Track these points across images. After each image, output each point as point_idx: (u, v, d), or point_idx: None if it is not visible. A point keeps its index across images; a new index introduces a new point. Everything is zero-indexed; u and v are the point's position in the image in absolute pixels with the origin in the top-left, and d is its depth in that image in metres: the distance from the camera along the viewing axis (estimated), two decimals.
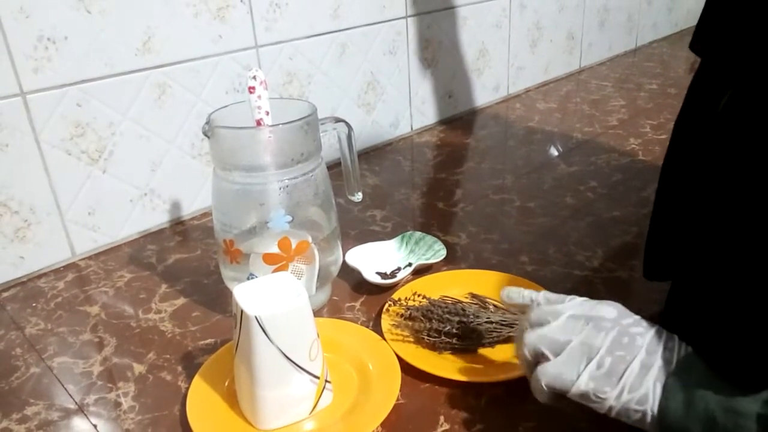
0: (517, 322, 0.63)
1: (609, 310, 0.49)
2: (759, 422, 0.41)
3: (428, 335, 0.63)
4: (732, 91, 0.50)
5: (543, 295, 0.53)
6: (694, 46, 0.58)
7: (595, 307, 0.50)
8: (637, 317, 0.49)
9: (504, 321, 0.63)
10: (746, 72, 0.49)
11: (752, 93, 0.47)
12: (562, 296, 0.52)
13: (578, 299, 0.51)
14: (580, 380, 0.46)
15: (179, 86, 0.89)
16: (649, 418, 0.45)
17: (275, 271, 0.64)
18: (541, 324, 0.50)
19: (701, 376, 0.44)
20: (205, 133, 0.63)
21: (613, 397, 0.45)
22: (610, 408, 0.46)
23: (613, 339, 0.47)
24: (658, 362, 0.46)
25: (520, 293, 0.54)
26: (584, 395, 0.46)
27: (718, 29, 0.55)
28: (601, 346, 0.47)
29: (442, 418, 0.55)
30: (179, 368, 0.64)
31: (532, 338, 0.49)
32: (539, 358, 0.49)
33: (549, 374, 0.47)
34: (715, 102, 0.52)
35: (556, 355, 0.48)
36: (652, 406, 0.45)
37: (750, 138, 0.46)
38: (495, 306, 0.67)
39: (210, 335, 0.68)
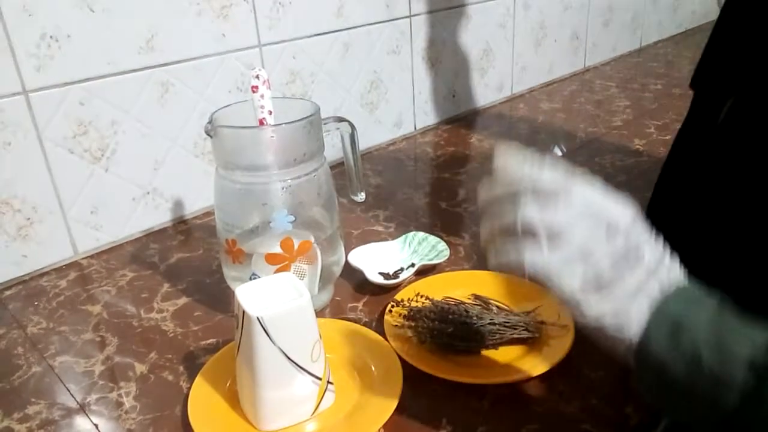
0: (521, 324, 0.62)
1: (623, 213, 0.43)
2: (750, 368, 0.36)
3: (431, 336, 0.62)
4: (732, 102, 0.50)
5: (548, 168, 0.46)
6: (695, 86, 0.58)
7: (608, 206, 0.44)
8: (647, 228, 0.43)
9: (507, 323, 0.63)
10: (746, 86, 0.48)
11: (753, 104, 0.47)
12: (568, 174, 0.45)
13: (590, 184, 0.45)
14: (570, 285, 0.41)
15: (182, 85, 0.89)
16: (627, 342, 0.41)
17: (277, 271, 0.64)
18: (545, 198, 0.43)
19: (695, 307, 0.40)
20: (207, 133, 0.63)
21: (599, 312, 0.41)
22: (589, 321, 0.41)
23: (618, 250, 0.41)
24: (654, 285, 0.41)
25: (521, 166, 0.46)
26: (568, 300, 0.42)
27: (719, 70, 0.54)
28: (603, 255, 0.41)
29: (444, 419, 0.55)
30: (181, 368, 0.63)
31: (532, 213, 0.43)
32: (528, 233, 0.43)
33: (539, 266, 0.42)
34: (716, 113, 0.52)
35: (551, 242, 0.42)
36: (635, 332, 0.40)
37: (750, 147, 0.46)
38: (498, 307, 0.66)
39: (212, 335, 0.68)
